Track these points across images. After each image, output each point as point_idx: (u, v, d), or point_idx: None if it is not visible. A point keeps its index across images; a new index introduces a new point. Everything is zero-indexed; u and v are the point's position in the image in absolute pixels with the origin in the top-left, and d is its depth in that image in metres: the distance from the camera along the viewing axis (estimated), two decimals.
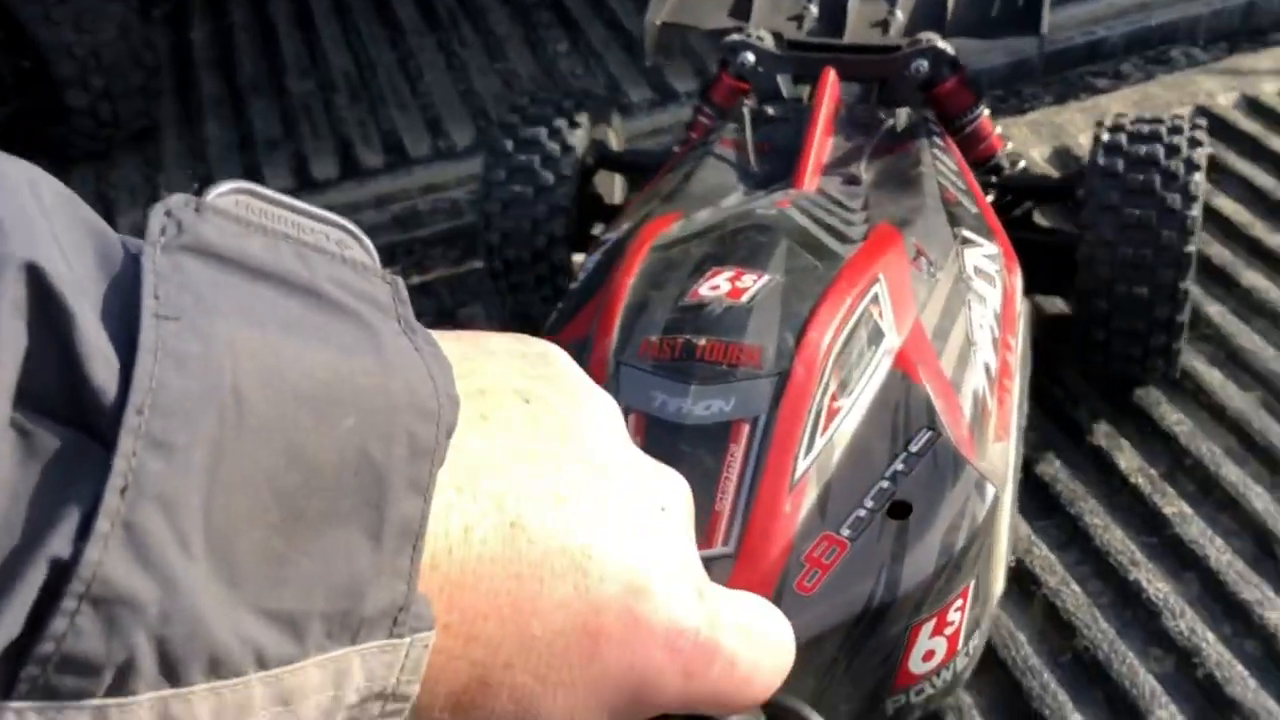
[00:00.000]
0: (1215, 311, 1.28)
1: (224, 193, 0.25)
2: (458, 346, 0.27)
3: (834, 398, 0.83)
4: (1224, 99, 1.61)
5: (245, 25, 2.08)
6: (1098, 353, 1.15)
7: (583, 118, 1.28)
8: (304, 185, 1.70)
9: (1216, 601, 1.01)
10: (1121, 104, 1.58)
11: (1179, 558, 1.05)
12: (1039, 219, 1.26)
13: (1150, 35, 1.78)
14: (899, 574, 0.75)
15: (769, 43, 1.22)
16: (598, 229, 1.28)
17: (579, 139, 1.27)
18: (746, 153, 1.13)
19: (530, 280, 1.28)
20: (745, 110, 1.16)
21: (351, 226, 0.26)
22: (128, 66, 1.73)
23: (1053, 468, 1.13)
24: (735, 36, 1.21)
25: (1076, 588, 1.03)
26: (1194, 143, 1.11)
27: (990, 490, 0.79)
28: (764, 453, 0.79)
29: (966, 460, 0.80)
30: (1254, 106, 1.59)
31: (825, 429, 0.81)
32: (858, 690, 0.78)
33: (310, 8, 2.12)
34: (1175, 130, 1.12)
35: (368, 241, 0.26)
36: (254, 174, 1.73)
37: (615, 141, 1.41)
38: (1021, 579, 1.04)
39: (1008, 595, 1.02)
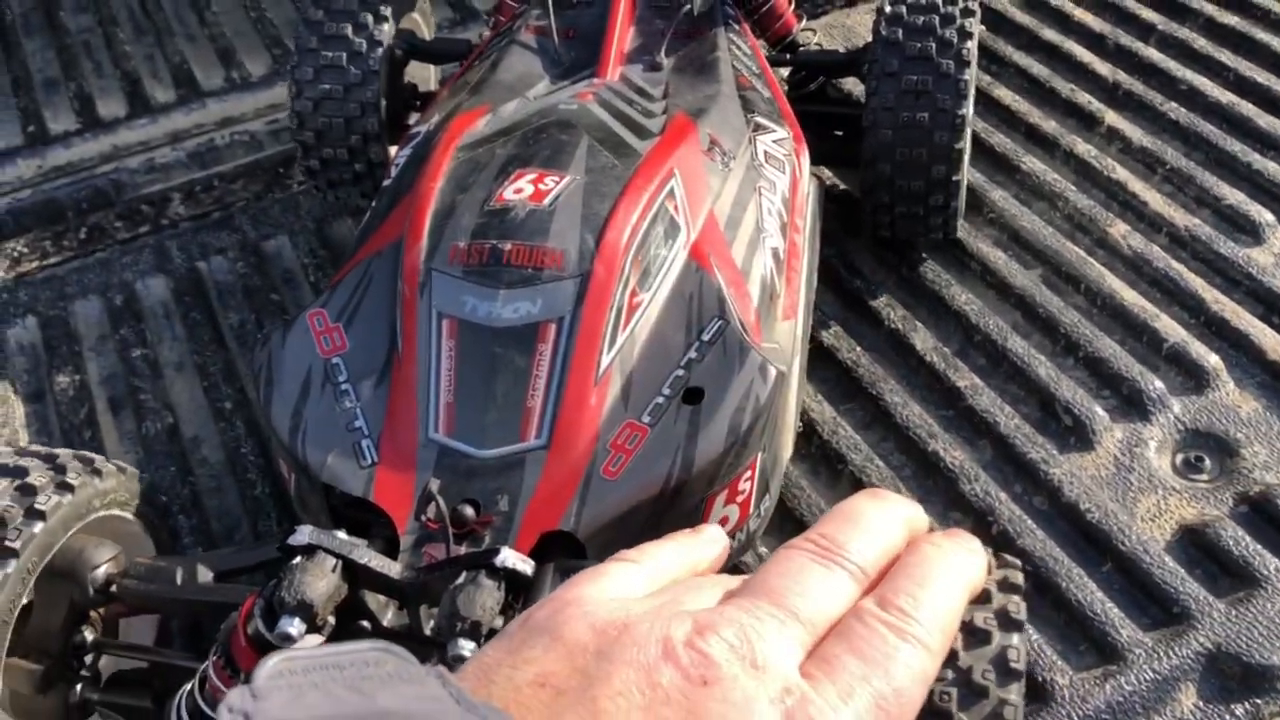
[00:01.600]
0: (998, 196, 1.35)
1: (269, 670, 0.26)
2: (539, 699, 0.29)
3: (634, 293, 0.86)
4: None
5: None
6: (884, 214, 1.21)
7: (387, 9, 1.26)
8: (91, 125, 1.62)
9: (1007, 464, 1.09)
10: None
11: (973, 427, 1.12)
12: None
13: None
14: (693, 453, 0.80)
15: None
16: (414, 119, 1.28)
17: (385, 32, 1.25)
18: (552, 39, 1.14)
19: (348, 176, 1.28)
20: None
21: (380, 643, 0.28)
22: None
23: (854, 354, 1.19)
24: None
25: (881, 463, 1.09)
26: (967, 12, 1.17)
27: (772, 372, 0.84)
28: (570, 351, 0.83)
29: (751, 346, 0.85)
30: (1029, 0, 1.67)
31: (626, 324, 0.85)
32: None
33: None
34: (950, 1, 1.18)
35: (397, 648, 0.28)
36: (34, 117, 1.64)
37: (426, 29, 1.39)
38: (829, 459, 1.10)
39: (817, 475, 1.08)
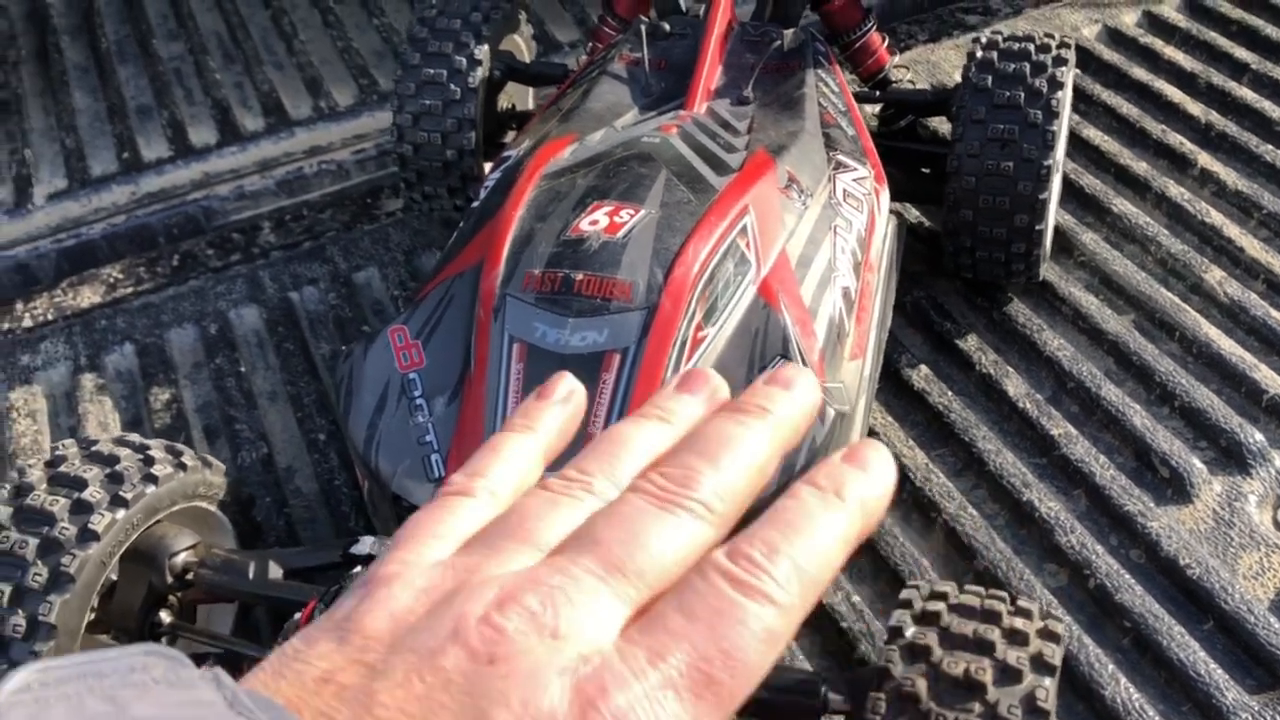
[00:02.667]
0: (1089, 239, 1.34)
1: (14, 684, 0.24)
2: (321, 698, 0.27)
3: (699, 327, 0.88)
4: (1088, 31, 1.67)
5: None
6: (966, 257, 1.21)
7: (488, 31, 1.29)
8: (183, 152, 1.66)
9: (1103, 515, 1.07)
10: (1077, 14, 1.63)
11: (1067, 476, 1.11)
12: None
13: None
14: None
15: None
16: (508, 137, 1.30)
17: (484, 53, 1.29)
18: (643, 70, 1.16)
19: (443, 191, 1.31)
20: (641, 27, 1.18)
21: (153, 647, 0.26)
22: None
23: (945, 398, 1.18)
24: None
25: (974, 511, 1.08)
26: (1059, 60, 1.16)
27: (830, 413, 0.86)
28: (632, 381, 0.85)
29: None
30: (1116, 38, 1.65)
31: (689, 357, 0.87)
32: None
33: None
34: (1043, 49, 1.17)
35: (172, 651, 0.27)
36: (128, 143, 1.68)
37: (525, 53, 1.42)
38: (922, 506, 1.09)
39: (910, 523, 1.07)
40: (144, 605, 0.87)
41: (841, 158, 1.08)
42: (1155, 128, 1.48)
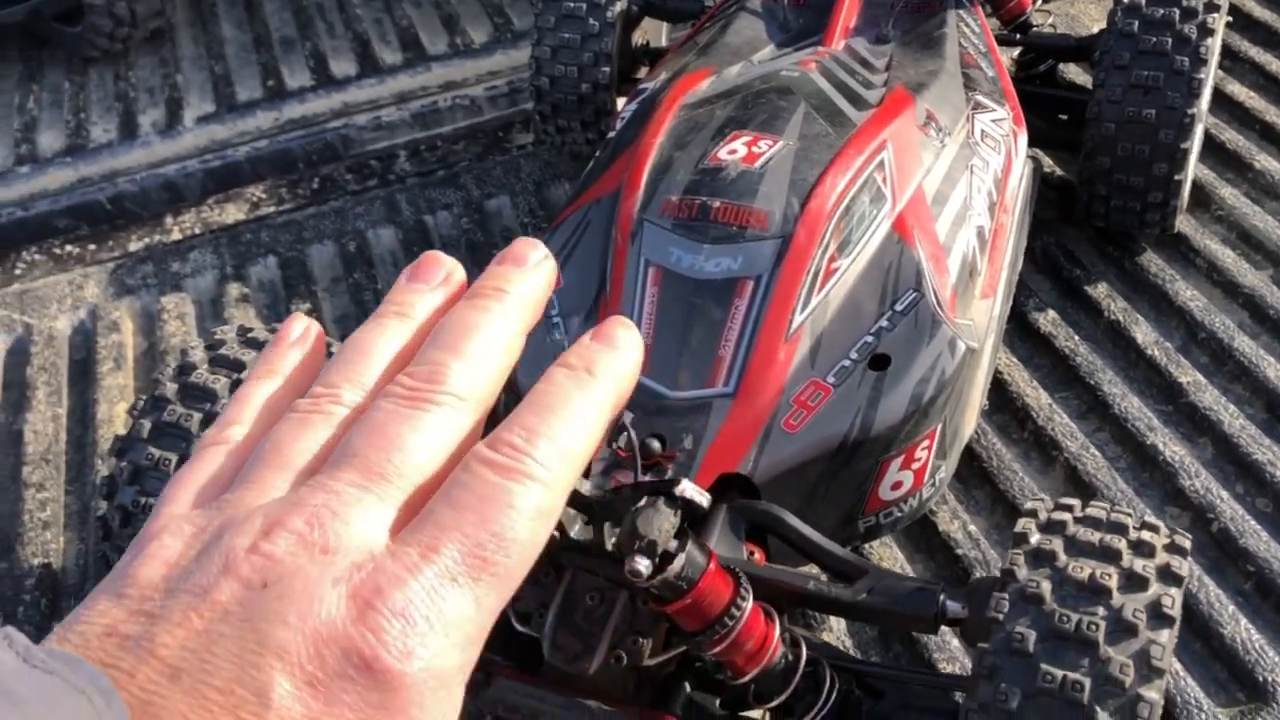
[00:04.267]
0: (1228, 194, 1.31)
1: None
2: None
3: (832, 259, 0.89)
4: None
5: None
6: (1099, 205, 1.20)
7: None
8: (324, 82, 1.71)
9: (1230, 463, 1.06)
10: None
11: (1194, 424, 1.10)
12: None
13: None
14: (873, 417, 0.84)
15: None
16: (643, 73, 1.33)
17: None
18: (782, 6, 1.17)
19: (577, 124, 1.34)
20: None
21: None
22: None
23: (1072, 342, 1.17)
24: None
25: (1096, 452, 1.08)
26: (1210, 7, 1.14)
27: (961, 347, 0.87)
28: (764, 308, 0.87)
29: (943, 320, 0.88)
30: None
31: (822, 287, 0.88)
32: (835, 511, 0.87)
33: None
34: None
35: None
36: (273, 73, 1.74)
37: None
38: (1043, 444, 1.09)
39: (1029, 460, 1.07)
40: None
41: (980, 98, 1.08)
42: None
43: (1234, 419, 1.09)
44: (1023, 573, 0.70)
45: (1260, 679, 0.90)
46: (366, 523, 0.29)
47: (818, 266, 0.89)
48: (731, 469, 0.83)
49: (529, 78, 1.34)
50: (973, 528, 1.03)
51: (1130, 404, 1.11)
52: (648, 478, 0.82)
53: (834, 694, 0.78)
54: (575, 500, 0.76)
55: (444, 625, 0.28)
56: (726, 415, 0.85)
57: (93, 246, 1.48)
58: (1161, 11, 1.14)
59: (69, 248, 1.48)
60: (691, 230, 0.91)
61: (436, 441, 0.31)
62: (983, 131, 1.05)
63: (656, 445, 0.84)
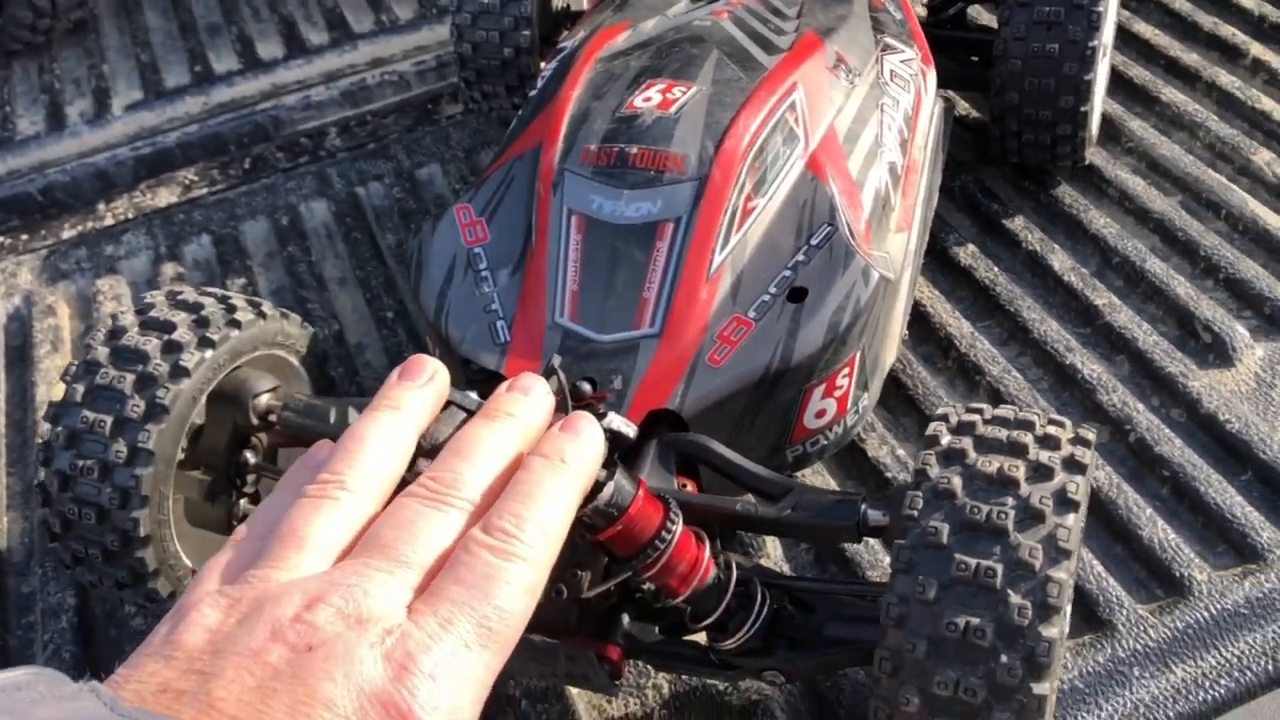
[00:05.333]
0: (1136, 126, 1.35)
1: None
2: None
3: (749, 198, 0.92)
4: None
5: None
6: (1012, 141, 1.24)
7: None
8: (251, 65, 1.72)
9: (1145, 378, 1.10)
10: None
11: (1110, 343, 1.14)
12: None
13: None
14: (792, 347, 0.87)
15: None
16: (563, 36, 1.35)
17: None
18: None
19: (501, 89, 1.35)
20: None
21: (31, 669, 0.31)
22: None
23: (992, 274, 1.21)
24: None
25: (1018, 374, 1.11)
26: None
27: (875, 276, 0.90)
28: (684, 249, 0.90)
29: (856, 251, 0.91)
30: None
31: (740, 226, 0.91)
32: (762, 441, 0.90)
33: None
34: None
35: (48, 671, 0.31)
36: (200, 59, 1.74)
37: None
38: (966, 371, 1.12)
39: (954, 386, 1.11)
40: (229, 444, 0.92)
41: (889, 40, 1.11)
42: (1207, 20, 1.48)
43: (1148, 336, 1.13)
44: (934, 471, 0.73)
45: (1177, 574, 0.93)
46: (391, 599, 0.35)
47: (734, 206, 0.92)
48: (660, 405, 0.85)
49: (452, 47, 1.35)
50: (900, 452, 1.06)
51: (1050, 328, 1.15)
52: None
53: (765, 609, 0.81)
54: None
55: (462, 684, 0.34)
56: (653, 355, 0.87)
57: (25, 236, 1.48)
58: None
59: (1, 239, 1.48)
60: (611, 177, 0.93)
61: (448, 535, 0.38)
62: (892, 72, 1.08)
63: (587, 388, 0.86)
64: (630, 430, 0.77)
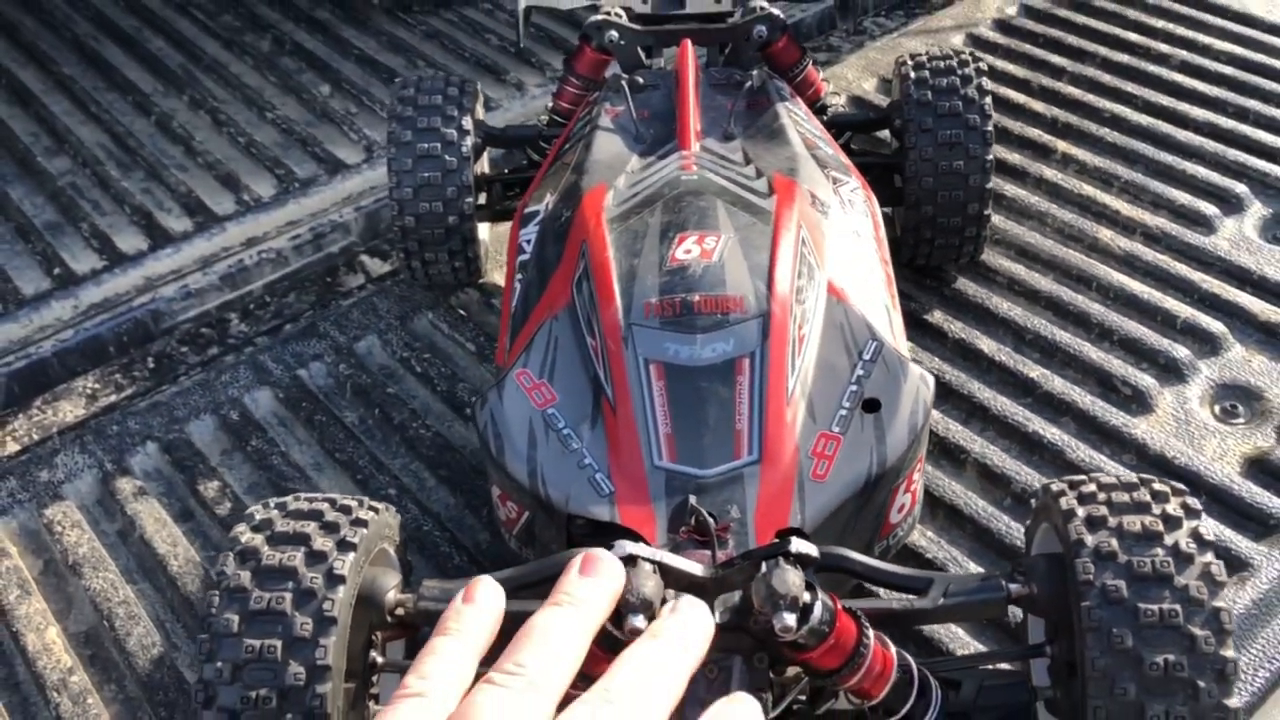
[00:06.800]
0: (996, 220, 1.57)
1: None
2: None
3: (800, 327, 1.02)
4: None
5: None
6: (925, 246, 1.42)
7: (469, 101, 1.39)
8: (116, 260, 1.64)
9: (1093, 433, 1.28)
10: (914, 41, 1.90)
11: (1054, 408, 1.32)
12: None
13: None
14: (885, 453, 0.98)
15: (626, 19, 1.38)
16: (482, 198, 1.41)
17: (469, 123, 1.39)
18: (631, 120, 1.29)
19: (444, 254, 1.40)
20: (624, 83, 1.31)
21: None
22: None
23: (934, 364, 1.37)
24: (598, 15, 1.37)
25: (994, 448, 1.27)
26: (979, 71, 1.39)
27: (930, 379, 1.03)
28: (764, 379, 0.99)
29: (905, 359, 1.04)
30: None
31: (800, 352, 1.02)
32: (858, 542, 1.00)
33: (24, 87, 2.01)
34: (963, 64, 1.40)
35: None
36: (55, 261, 1.65)
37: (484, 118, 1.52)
38: (950, 451, 1.27)
39: (941, 466, 1.25)
40: (365, 647, 0.90)
41: (834, 173, 1.24)
42: (1014, 125, 1.74)
43: (1081, 397, 1.31)
44: (1090, 539, 0.85)
45: None
46: None
47: (794, 335, 1.02)
48: (784, 524, 0.93)
49: (392, 219, 1.38)
50: (930, 533, 1.18)
51: (1002, 403, 1.32)
52: (726, 551, 0.90)
53: (940, 694, 0.90)
54: (689, 584, 0.83)
55: None
56: (759, 479, 0.95)
57: None
58: (945, 80, 1.37)
59: None
60: (680, 325, 1.01)
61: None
62: (849, 200, 1.22)
63: (711, 521, 0.92)
64: (815, 551, 0.84)
